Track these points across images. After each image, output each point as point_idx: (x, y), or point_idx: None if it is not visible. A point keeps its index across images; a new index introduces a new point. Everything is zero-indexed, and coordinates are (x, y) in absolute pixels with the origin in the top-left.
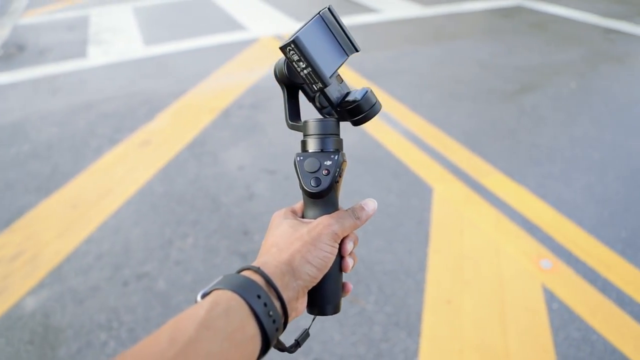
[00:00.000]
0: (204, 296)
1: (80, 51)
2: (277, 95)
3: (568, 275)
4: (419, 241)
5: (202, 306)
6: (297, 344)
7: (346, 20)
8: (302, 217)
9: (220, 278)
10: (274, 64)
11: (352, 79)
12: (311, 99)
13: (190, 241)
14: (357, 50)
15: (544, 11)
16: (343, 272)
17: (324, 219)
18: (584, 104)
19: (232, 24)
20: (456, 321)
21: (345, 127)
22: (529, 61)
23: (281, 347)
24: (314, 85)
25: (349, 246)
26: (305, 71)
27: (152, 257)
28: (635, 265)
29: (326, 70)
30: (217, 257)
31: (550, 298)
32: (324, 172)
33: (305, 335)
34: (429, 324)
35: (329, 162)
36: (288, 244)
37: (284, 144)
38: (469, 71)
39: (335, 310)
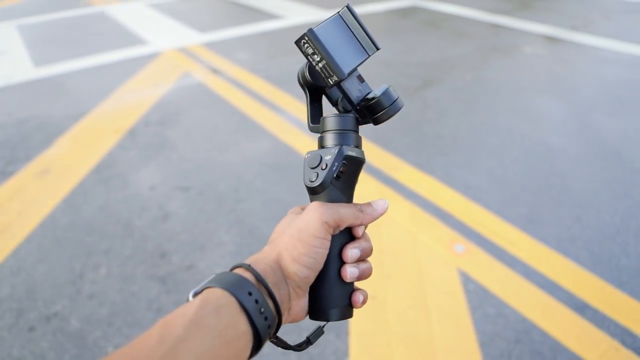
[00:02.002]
0: (195, 295)
1: None
2: (186, 109)
3: (479, 256)
4: None
5: (192, 305)
6: (308, 341)
7: (250, 28)
8: None
9: (212, 276)
10: (298, 69)
11: (260, 86)
12: (334, 103)
13: (103, 272)
14: (377, 49)
15: (437, 10)
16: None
17: (312, 208)
18: (479, 94)
19: (132, 39)
20: (382, 315)
21: (254, 135)
22: (428, 57)
23: (286, 345)
24: (329, 80)
25: (350, 252)
26: (320, 64)
27: (61, 295)
28: (537, 239)
29: (342, 64)
30: (134, 284)
31: (466, 280)
32: (323, 166)
33: (319, 332)
34: (356, 322)
35: (328, 157)
36: (279, 240)
37: (196, 159)
38: (374, 70)
39: (343, 315)
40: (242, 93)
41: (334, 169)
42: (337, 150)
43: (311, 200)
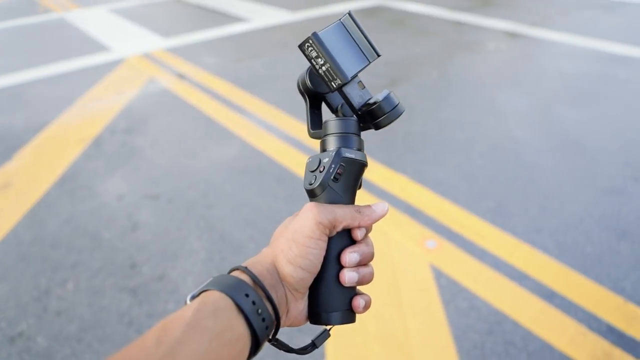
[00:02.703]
0: (192, 298)
1: None
2: (153, 116)
3: (451, 251)
4: None
5: (190, 307)
6: (314, 344)
7: (217, 32)
8: None
9: (210, 280)
10: (298, 77)
11: (227, 90)
12: (334, 111)
13: (70, 286)
14: (378, 56)
15: (402, 9)
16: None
17: (307, 209)
18: (445, 91)
19: (94, 45)
20: (357, 315)
21: (222, 139)
22: (395, 56)
23: (288, 349)
24: (332, 83)
25: (348, 257)
26: (324, 67)
27: (27, 313)
28: (505, 231)
29: (345, 68)
30: (104, 297)
31: (438, 275)
32: (321, 169)
33: (324, 335)
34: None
35: (326, 159)
36: (275, 243)
37: (164, 166)
38: None
39: (344, 319)
40: (210, 98)
41: (331, 170)
42: (334, 152)
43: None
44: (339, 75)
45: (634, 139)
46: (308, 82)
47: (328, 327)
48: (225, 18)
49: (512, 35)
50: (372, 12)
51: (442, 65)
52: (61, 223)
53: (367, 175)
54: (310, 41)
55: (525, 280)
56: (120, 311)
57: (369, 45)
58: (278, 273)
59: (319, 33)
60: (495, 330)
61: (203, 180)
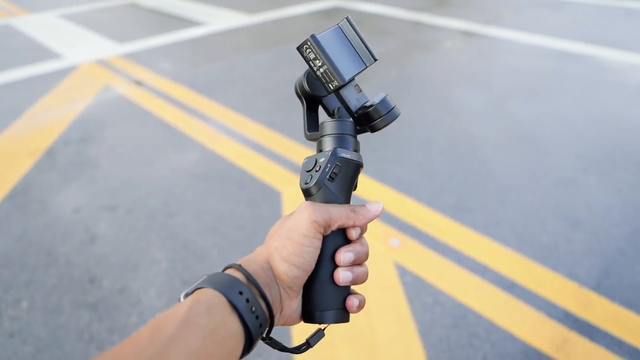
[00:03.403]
0: (186, 296)
1: None
2: (109, 124)
3: (414, 248)
4: None
5: (183, 305)
6: (308, 344)
7: (173, 36)
8: None
9: (203, 277)
10: (296, 80)
11: (185, 95)
12: (331, 114)
13: (25, 305)
14: (375, 60)
15: (360, 10)
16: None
17: (302, 206)
18: (404, 90)
19: (44, 53)
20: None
21: (182, 146)
22: None
23: (282, 347)
24: (330, 85)
25: (343, 256)
26: (321, 69)
27: None
28: (466, 225)
29: (343, 70)
30: (62, 315)
31: (403, 272)
32: (317, 168)
33: (319, 335)
34: (298, 327)
35: (322, 159)
36: (269, 240)
37: (122, 176)
38: (300, 72)
39: (337, 318)
40: (168, 104)
41: (327, 170)
42: (331, 152)
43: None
44: (336, 77)
45: (583, 132)
46: (306, 86)
47: (322, 327)
48: (182, 22)
49: (467, 34)
50: (329, 13)
51: (400, 64)
52: (13, 240)
53: None
54: (309, 43)
55: (486, 272)
56: (79, 328)
57: (366, 50)
58: (272, 271)
59: (317, 35)
60: (459, 324)
61: (163, 189)
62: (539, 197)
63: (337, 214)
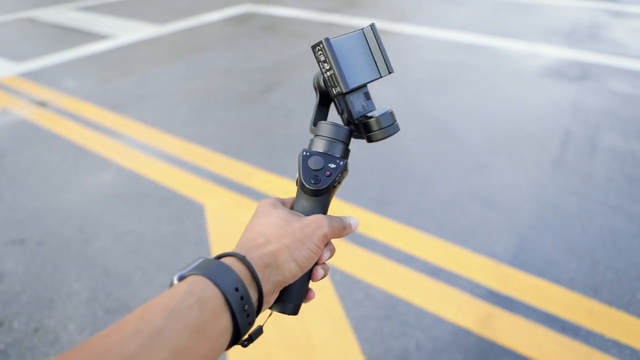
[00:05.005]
0: (181, 279)
1: None
2: (10, 151)
3: (341, 246)
4: None
5: (174, 294)
6: (250, 338)
7: (78, 51)
8: (291, 209)
9: (200, 261)
10: (315, 73)
11: (96, 114)
12: (340, 113)
13: None
14: (390, 72)
15: (272, 14)
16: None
17: (318, 219)
18: None
19: None
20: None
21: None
22: (268, 61)
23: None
24: (333, 89)
25: (325, 255)
26: (328, 73)
27: None
28: (390, 218)
29: (349, 78)
30: None
31: (332, 271)
32: (326, 173)
33: (259, 331)
34: None
35: (333, 165)
36: (278, 236)
37: (29, 206)
38: (215, 81)
39: (295, 311)
40: (76, 124)
41: (337, 179)
42: (342, 163)
43: (304, 200)
44: (340, 83)
45: (488, 118)
46: (321, 82)
47: (263, 323)
48: (87, 36)
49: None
50: (241, 19)
51: (315, 66)
52: None
53: (250, 182)
54: (321, 45)
55: (412, 261)
56: None
57: (384, 60)
58: (277, 266)
59: (331, 39)
60: (391, 315)
61: (77, 215)
62: (455, 183)
63: (337, 230)
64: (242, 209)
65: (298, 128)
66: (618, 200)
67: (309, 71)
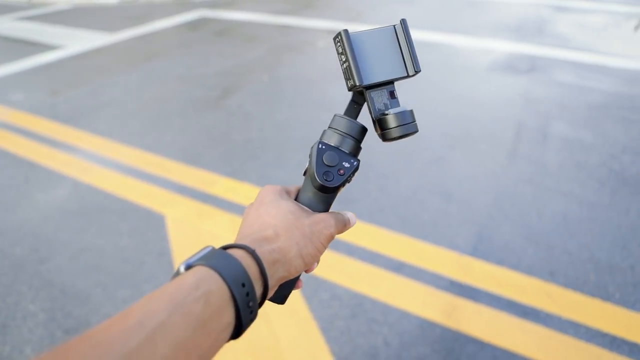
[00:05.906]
0: (187, 268)
1: None
2: None
3: None
4: (165, 272)
5: (180, 286)
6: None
7: (24, 63)
8: (296, 199)
9: (208, 249)
10: None
11: (47, 127)
12: (371, 113)
13: None
14: (417, 71)
15: (226, 19)
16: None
17: (327, 218)
18: (278, 93)
19: None
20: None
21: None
22: (224, 66)
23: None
24: (348, 82)
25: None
26: (344, 65)
27: None
28: None
29: (365, 73)
30: None
31: None
32: (340, 171)
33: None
34: None
35: (347, 165)
36: (288, 232)
37: None
38: (171, 88)
39: (283, 300)
40: (26, 139)
41: (348, 178)
42: (356, 163)
43: (311, 192)
44: (353, 77)
45: (445, 113)
46: None
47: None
48: (34, 47)
49: (334, 33)
50: (195, 25)
51: (272, 68)
52: None
53: (211, 189)
54: (340, 37)
55: (376, 258)
56: None
57: (412, 59)
58: (285, 262)
59: (351, 32)
60: (357, 313)
61: (30, 233)
62: (415, 178)
63: (341, 229)
64: (204, 218)
65: (257, 132)
66: (569, 187)
67: (267, 73)
